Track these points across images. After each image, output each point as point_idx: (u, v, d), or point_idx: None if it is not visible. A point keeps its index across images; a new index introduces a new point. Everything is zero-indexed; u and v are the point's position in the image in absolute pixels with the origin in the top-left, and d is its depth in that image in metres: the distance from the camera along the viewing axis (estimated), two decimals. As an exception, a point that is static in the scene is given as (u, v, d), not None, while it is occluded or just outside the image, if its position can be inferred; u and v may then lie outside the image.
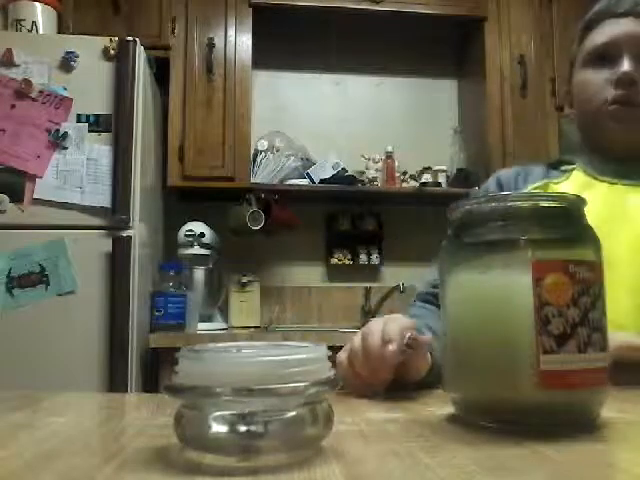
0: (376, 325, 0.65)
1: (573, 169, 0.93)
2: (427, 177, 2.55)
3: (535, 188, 0.91)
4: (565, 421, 0.46)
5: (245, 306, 2.40)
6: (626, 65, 0.82)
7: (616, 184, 0.87)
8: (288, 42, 2.65)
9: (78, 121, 1.87)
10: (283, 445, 0.39)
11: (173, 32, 2.33)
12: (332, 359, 0.42)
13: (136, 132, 1.91)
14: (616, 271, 0.71)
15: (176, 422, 0.40)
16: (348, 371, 0.65)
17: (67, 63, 1.88)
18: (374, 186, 2.55)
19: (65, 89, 1.87)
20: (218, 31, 2.37)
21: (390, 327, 0.63)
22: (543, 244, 0.47)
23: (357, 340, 0.66)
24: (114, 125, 1.88)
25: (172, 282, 2.08)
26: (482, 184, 1.04)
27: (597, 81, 0.85)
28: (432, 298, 0.90)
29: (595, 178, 0.90)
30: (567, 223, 0.50)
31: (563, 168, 0.94)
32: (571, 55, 0.95)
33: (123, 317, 1.81)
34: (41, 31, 2.10)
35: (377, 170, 2.59)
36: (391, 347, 0.61)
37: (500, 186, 0.96)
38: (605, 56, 0.85)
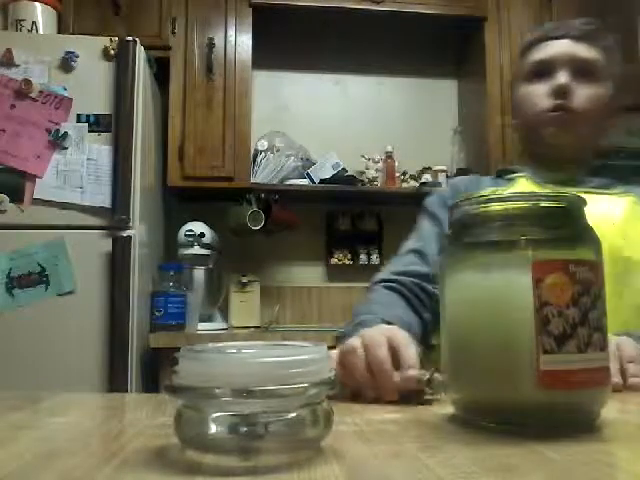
0: (379, 337, 0.62)
1: (518, 177, 1.01)
2: (427, 177, 2.55)
3: (482, 195, 0.93)
4: (565, 421, 0.46)
5: (245, 306, 2.40)
6: (562, 78, 0.93)
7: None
8: (288, 42, 2.65)
9: (78, 121, 1.87)
10: (283, 446, 0.39)
11: (173, 32, 2.33)
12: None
13: (136, 132, 1.91)
14: None
15: (176, 422, 0.40)
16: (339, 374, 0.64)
17: (67, 63, 1.88)
18: (374, 186, 2.55)
19: (65, 89, 1.87)
20: (218, 31, 2.37)
21: (406, 352, 0.61)
22: (543, 244, 0.47)
23: (357, 347, 0.62)
24: (114, 125, 1.88)
25: (172, 282, 2.08)
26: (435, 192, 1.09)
27: (538, 92, 0.95)
28: (397, 285, 0.92)
29: (539, 185, 0.97)
30: (567, 223, 0.50)
31: (508, 177, 1.02)
32: (513, 73, 1.05)
33: (123, 317, 1.81)
34: (41, 31, 2.10)
35: (377, 170, 2.59)
36: (411, 372, 0.59)
37: (457, 192, 1.01)
38: (543, 71, 0.96)
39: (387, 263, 1.04)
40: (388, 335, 0.63)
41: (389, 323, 0.77)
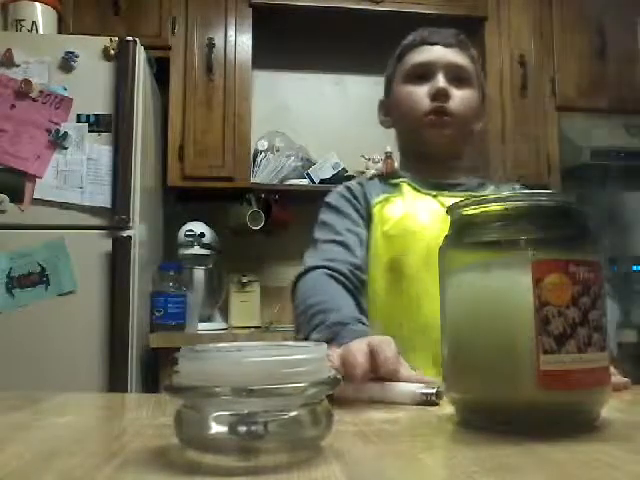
0: (387, 341, 0.65)
1: (402, 182, 1.05)
2: (427, 177, 2.54)
3: (378, 202, 1.02)
4: (565, 421, 0.46)
5: (245, 306, 2.40)
6: (441, 81, 0.99)
7: (437, 196, 1.01)
8: (288, 42, 2.65)
9: (78, 121, 1.87)
10: (283, 445, 0.39)
11: (173, 32, 2.33)
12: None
13: (136, 132, 1.91)
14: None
15: (176, 422, 0.40)
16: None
17: (67, 63, 1.88)
18: (374, 186, 2.54)
19: (65, 89, 1.87)
20: (218, 31, 2.37)
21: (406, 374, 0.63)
22: (543, 244, 0.47)
23: (363, 349, 0.63)
24: (114, 125, 1.88)
25: (172, 282, 2.08)
26: (333, 191, 1.11)
27: (417, 94, 1.01)
28: (336, 274, 0.93)
29: (419, 191, 1.02)
30: (567, 223, 0.50)
31: (393, 182, 1.06)
32: (387, 73, 1.11)
33: (123, 317, 1.81)
34: (41, 31, 2.10)
35: (377, 170, 2.58)
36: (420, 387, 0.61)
37: (353, 196, 1.05)
38: (422, 74, 1.02)
39: (306, 253, 1.05)
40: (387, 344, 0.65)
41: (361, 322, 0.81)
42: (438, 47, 1.03)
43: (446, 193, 1.02)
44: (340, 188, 1.10)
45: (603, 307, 0.48)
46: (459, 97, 1.01)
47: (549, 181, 2.45)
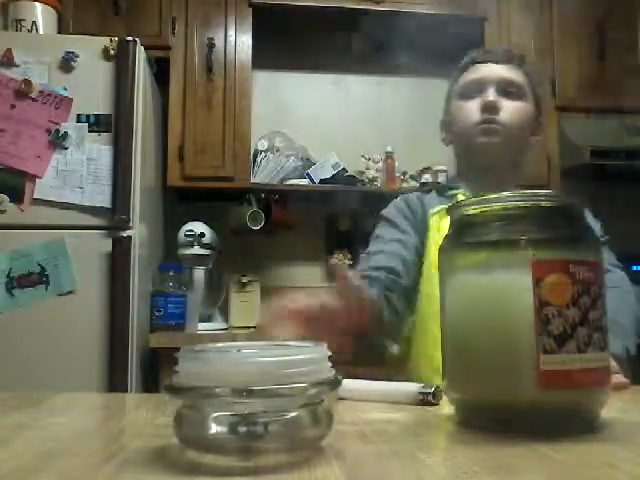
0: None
1: (457, 193, 1.10)
2: (427, 177, 2.54)
3: (435, 213, 1.07)
4: (565, 421, 0.46)
5: (245, 306, 2.39)
6: (490, 95, 1.05)
7: None
8: (288, 42, 2.64)
9: (78, 121, 1.87)
10: (283, 446, 0.39)
11: (173, 32, 2.33)
12: (332, 359, 0.42)
13: (136, 132, 1.91)
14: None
15: (176, 422, 0.40)
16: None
17: (67, 63, 1.88)
18: (374, 186, 2.55)
19: (65, 89, 1.87)
20: (218, 31, 2.37)
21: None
22: (543, 244, 0.47)
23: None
24: (114, 125, 1.87)
25: (172, 282, 2.08)
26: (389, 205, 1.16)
27: (470, 107, 1.07)
28: (371, 282, 0.97)
29: None
30: (567, 223, 0.50)
31: (449, 194, 1.12)
32: (447, 92, 1.18)
33: (123, 317, 1.81)
34: (41, 31, 2.10)
35: (377, 170, 2.58)
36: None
37: (408, 206, 1.11)
38: (474, 90, 1.08)
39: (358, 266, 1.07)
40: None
41: None
42: (489, 64, 1.08)
43: None
44: (397, 200, 1.15)
45: (603, 307, 0.48)
46: (509, 108, 1.05)
47: (549, 181, 2.45)
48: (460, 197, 1.08)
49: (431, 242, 1.04)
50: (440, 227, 1.04)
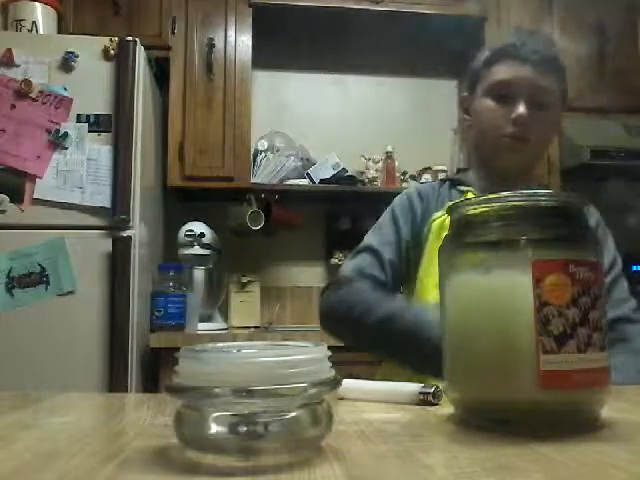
0: None
1: (467, 191, 1.10)
2: (427, 177, 2.54)
3: (438, 217, 1.05)
4: (565, 421, 0.46)
5: (245, 306, 2.40)
6: (521, 108, 1.01)
7: None
8: (288, 42, 2.65)
9: (78, 121, 1.87)
10: (283, 446, 0.39)
11: (173, 32, 2.33)
12: (332, 359, 0.42)
13: (136, 132, 1.91)
14: None
15: (176, 422, 0.40)
16: None
17: (67, 63, 1.88)
18: (374, 186, 2.55)
19: (65, 89, 1.87)
20: (218, 31, 2.37)
21: None
22: (543, 244, 0.47)
23: None
24: (114, 125, 1.87)
25: (172, 282, 2.08)
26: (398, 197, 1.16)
27: (498, 115, 1.04)
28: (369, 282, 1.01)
29: None
30: (567, 223, 0.50)
31: (461, 188, 1.11)
32: (472, 73, 1.11)
33: (123, 317, 1.81)
34: (41, 31, 2.10)
35: (377, 170, 2.58)
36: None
37: (421, 200, 1.10)
38: (506, 93, 1.03)
39: (349, 256, 1.12)
40: None
41: None
42: (527, 67, 1.02)
43: None
44: (409, 191, 1.14)
45: (603, 307, 0.48)
46: (538, 122, 1.02)
47: (549, 181, 2.45)
48: (469, 195, 1.07)
49: (431, 247, 1.03)
50: (440, 234, 1.02)
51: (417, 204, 1.10)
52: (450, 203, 1.00)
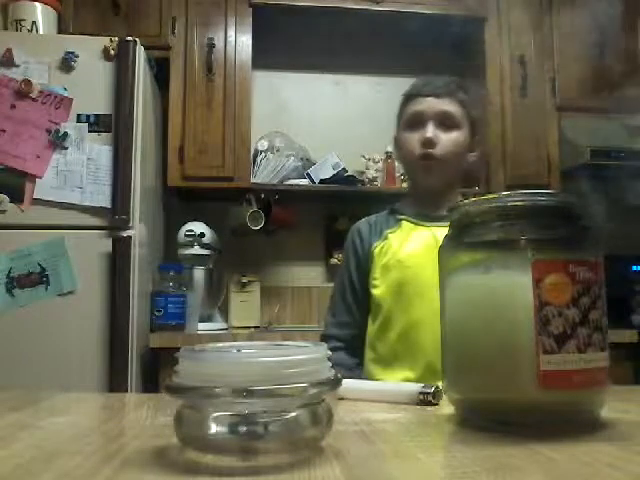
0: None
1: (402, 219, 1.25)
2: (427, 177, 2.54)
3: (377, 245, 1.23)
4: (565, 421, 0.46)
5: (245, 306, 2.39)
6: (429, 131, 1.18)
7: (430, 227, 1.19)
8: (288, 42, 2.65)
9: (78, 121, 1.87)
10: (283, 446, 0.39)
11: (173, 32, 2.33)
12: (332, 359, 0.42)
13: (136, 132, 1.91)
14: (427, 297, 1.07)
15: (176, 422, 0.40)
16: None
17: (67, 63, 1.88)
18: (374, 186, 2.55)
19: (65, 89, 1.87)
20: (218, 31, 2.37)
21: None
22: (543, 244, 0.47)
23: None
24: (114, 125, 1.87)
25: (172, 282, 2.08)
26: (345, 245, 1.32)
27: (411, 141, 1.21)
28: (343, 345, 1.23)
29: (417, 224, 1.22)
30: (567, 223, 0.50)
31: (397, 217, 1.27)
32: (398, 114, 1.29)
33: (123, 317, 1.81)
34: (41, 31, 2.10)
35: (377, 170, 2.58)
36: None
37: (361, 239, 1.27)
38: (416, 122, 1.21)
39: (331, 308, 1.30)
40: None
41: None
42: (430, 98, 1.21)
43: (440, 224, 1.13)
44: (351, 231, 1.32)
45: (603, 307, 0.48)
46: (445, 141, 1.18)
47: (549, 181, 2.45)
48: (405, 224, 1.23)
49: (377, 267, 1.21)
50: (381, 253, 1.21)
51: (358, 243, 1.27)
52: (387, 231, 1.24)
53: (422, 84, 1.26)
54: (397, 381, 1.09)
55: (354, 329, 1.25)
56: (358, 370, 1.21)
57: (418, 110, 1.21)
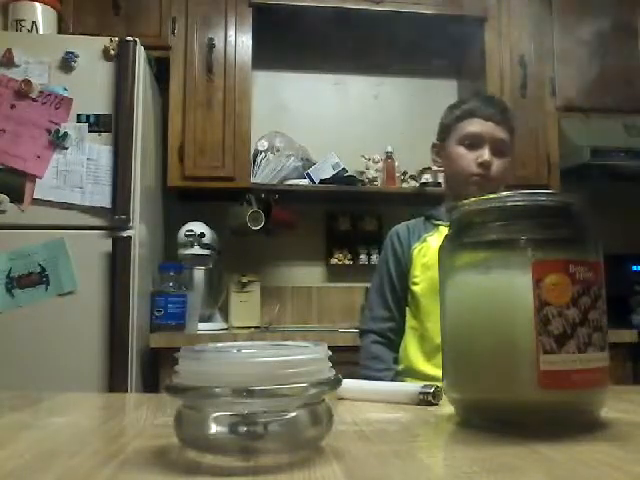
0: None
1: (441, 224, 1.36)
2: (427, 177, 2.54)
3: (416, 247, 1.36)
4: (565, 421, 0.46)
5: (245, 306, 2.39)
6: (486, 155, 1.30)
7: None
8: (288, 42, 2.65)
9: (78, 121, 1.87)
10: (283, 446, 0.39)
11: (173, 32, 2.33)
12: (332, 359, 0.42)
13: (136, 132, 1.91)
14: None
15: (176, 422, 0.40)
16: None
17: (67, 63, 1.88)
18: (374, 186, 2.54)
19: (65, 89, 1.87)
20: (218, 31, 2.37)
21: None
22: (543, 244, 0.47)
23: None
24: (114, 125, 1.87)
25: (172, 282, 2.08)
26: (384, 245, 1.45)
27: (467, 158, 1.32)
28: (381, 339, 1.35)
29: None
30: (567, 223, 0.50)
31: (433, 222, 1.39)
32: (445, 122, 1.39)
33: (123, 317, 1.81)
34: (41, 31, 2.10)
35: (377, 170, 2.58)
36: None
37: (400, 241, 1.39)
38: (474, 142, 1.32)
39: (369, 304, 1.43)
40: None
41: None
42: (490, 123, 1.31)
43: None
44: (390, 234, 1.43)
45: (603, 307, 0.48)
46: (498, 166, 1.31)
47: (549, 181, 2.45)
48: (442, 229, 1.31)
49: (416, 266, 1.33)
50: (421, 253, 1.33)
51: (397, 244, 1.39)
52: (425, 235, 1.36)
53: (482, 105, 1.34)
54: (438, 369, 1.15)
55: (390, 322, 1.36)
56: (394, 365, 1.33)
57: (477, 132, 1.31)
